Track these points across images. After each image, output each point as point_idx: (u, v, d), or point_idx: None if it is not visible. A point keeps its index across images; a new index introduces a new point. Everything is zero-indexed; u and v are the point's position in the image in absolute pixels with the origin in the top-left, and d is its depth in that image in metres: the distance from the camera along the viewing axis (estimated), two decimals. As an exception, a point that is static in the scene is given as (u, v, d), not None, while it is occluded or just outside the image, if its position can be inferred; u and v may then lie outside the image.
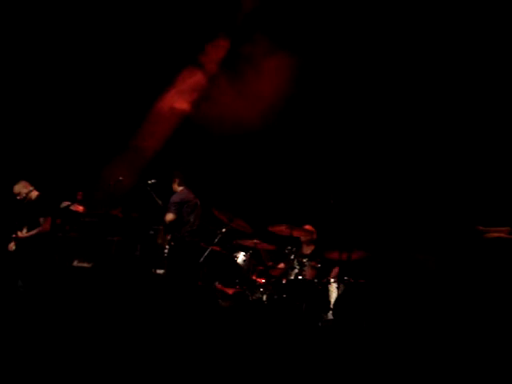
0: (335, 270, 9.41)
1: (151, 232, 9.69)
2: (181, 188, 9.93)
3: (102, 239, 9.59)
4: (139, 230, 9.69)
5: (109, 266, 9.46)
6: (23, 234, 9.31)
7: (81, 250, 9.59)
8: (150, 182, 9.81)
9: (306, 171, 10.87)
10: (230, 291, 9.44)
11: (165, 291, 8.92)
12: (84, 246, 9.60)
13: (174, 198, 9.77)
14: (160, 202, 9.82)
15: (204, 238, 9.75)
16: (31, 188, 9.46)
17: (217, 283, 9.56)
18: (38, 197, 9.46)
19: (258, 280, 9.57)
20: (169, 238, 9.55)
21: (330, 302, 8.94)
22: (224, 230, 9.68)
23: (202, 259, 9.47)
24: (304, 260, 9.38)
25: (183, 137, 11.12)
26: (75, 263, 9.58)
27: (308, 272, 9.31)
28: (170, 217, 9.65)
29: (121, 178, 9.78)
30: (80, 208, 9.90)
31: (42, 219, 9.30)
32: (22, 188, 9.45)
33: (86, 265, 9.58)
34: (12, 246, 9.38)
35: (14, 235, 9.38)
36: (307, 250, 9.86)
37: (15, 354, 6.17)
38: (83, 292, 9.01)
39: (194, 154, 10.99)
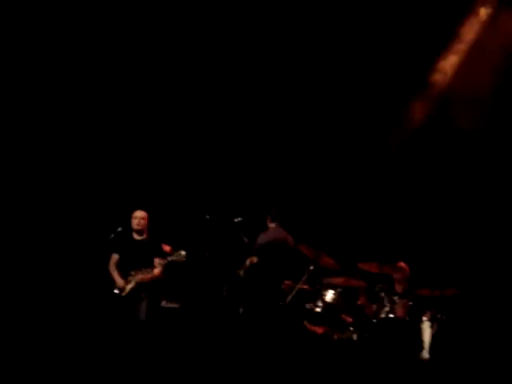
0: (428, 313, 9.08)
1: (238, 272, 9.57)
2: (272, 225, 9.73)
3: (189, 279, 9.56)
4: (226, 270, 9.61)
5: (196, 306, 9.41)
6: (140, 276, 8.75)
7: (168, 290, 9.54)
8: (236, 220, 9.71)
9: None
10: (319, 330, 9.21)
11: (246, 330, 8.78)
12: (171, 286, 9.55)
13: (259, 240, 9.61)
14: (246, 240, 9.65)
15: (291, 276, 9.54)
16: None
17: (305, 322, 9.34)
18: (149, 235, 8.99)
19: (348, 319, 9.30)
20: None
21: (422, 340, 8.61)
22: (311, 267, 9.47)
23: (289, 298, 9.27)
24: (395, 298, 9.06)
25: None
26: (163, 304, 9.54)
27: (399, 310, 8.98)
28: (252, 259, 9.48)
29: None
30: (167, 248, 9.85)
31: (157, 261, 8.81)
32: (145, 217, 8.93)
33: (173, 305, 9.54)
34: (125, 285, 8.80)
35: (132, 273, 8.78)
36: (399, 287, 9.50)
37: None
38: (172, 332, 8.97)
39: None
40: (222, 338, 8.65)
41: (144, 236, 8.96)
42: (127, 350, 8.13)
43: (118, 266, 8.94)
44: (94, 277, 9.61)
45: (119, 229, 9.02)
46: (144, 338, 8.50)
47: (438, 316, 8.75)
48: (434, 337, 8.62)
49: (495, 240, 9.90)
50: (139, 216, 8.92)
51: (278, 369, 7.67)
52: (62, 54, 10.69)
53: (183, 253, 8.72)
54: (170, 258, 8.77)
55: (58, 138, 10.79)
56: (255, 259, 9.40)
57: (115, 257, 9.00)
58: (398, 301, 9.03)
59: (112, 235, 8.97)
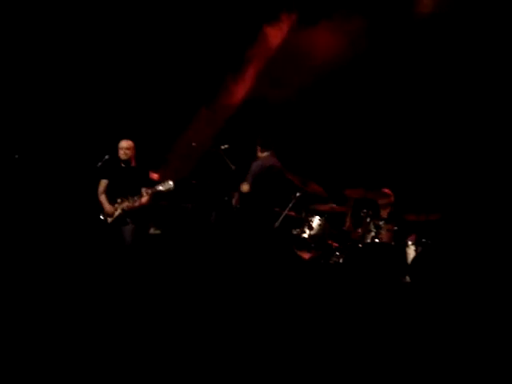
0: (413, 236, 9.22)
1: (226, 198, 9.58)
2: (264, 154, 9.38)
3: (177, 206, 9.60)
4: (214, 197, 9.63)
5: (184, 232, 9.48)
6: (126, 203, 8.84)
7: (155, 217, 9.61)
8: (223, 147, 9.63)
9: (379, 132, 10.65)
10: (306, 256, 9.36)
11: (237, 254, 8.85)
12: (159, 213, 9.62)
13: (254, 168, 9.20)
14: (233, 167, 9.57)
15: (279, 203, 9.60)
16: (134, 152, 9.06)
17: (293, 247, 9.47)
18: (136, 164, 9.02)
19: (334, 244, 9.45)
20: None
21: (407, 264, 8.78)
22: (298, 194, 9.54)
23: (277, 224, 9.35)
24: (380, 223, 9.20)
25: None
26: (151, 231, 9.63)
27: (385, 235, 9.14)
28: (245, 187, 9.10)
29: (194, 144, 9.73)
30: (155, 176, 9.89)
31: (143, 190, 8.82)
32: (130, 147, 8.94)
33: (161, 232, 9.62)
34: (113, 211, 8.92)
35: (119, 200, 8.86)
36: (384, 213, 9.65)
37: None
38: (158, 258, 9.05)
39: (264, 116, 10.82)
40: (210, 265, 8.74)
41: (131, 165, 9.01)
42: (113, 275, 8.23)
43: (106, 192, 9.02)
44: (82, 203, 9.69)
45: (106, 156, 9.04)
46: (130, 263, 8.60)
47: (423, 240, 8.90)
48: (415, 260, 8.77)
49: (480, 164, 9.98)
50: (125, 146, 8.93)
51: (268, 295, 7.77)
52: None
53: (171, 183, 8.75)
54: (158, 188, 8.81)
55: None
56: (246, 187, 9.16)
57: (104, 182, 9.07)
58: (383, 226, 9.18)
59: (99, 163, 9.00)
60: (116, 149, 9.02)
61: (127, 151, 8.94)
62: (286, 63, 10.51)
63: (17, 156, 9.77)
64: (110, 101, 10.89)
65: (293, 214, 9.61)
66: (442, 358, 5.91)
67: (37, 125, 10.59)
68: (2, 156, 10.09)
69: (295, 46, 10.47)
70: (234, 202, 9.32)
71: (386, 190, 9.72)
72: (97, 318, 6.52)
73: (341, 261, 9.11)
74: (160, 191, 8.84)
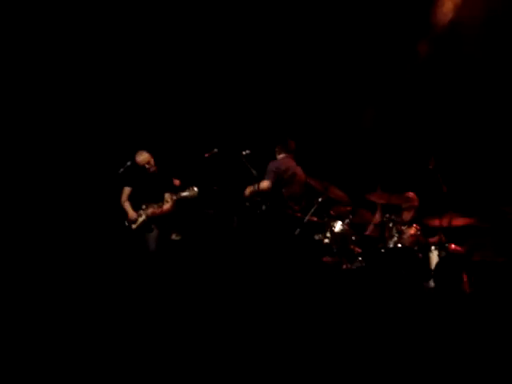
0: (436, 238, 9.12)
1: (247, 204, 9.55)
2: (281, 156, 9.60)
3: (198, 213, 9.58)
4: (235, 202, 9.60)
5: (206, 238, 9.47)
6: (151, 210, 8.96)
7: (178, 223, 9.61)
8: (244, 152, 9.62)
9: (404, 136, 10.59)
10: (329, 260, 9.30)
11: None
12: (181, 219, 9.62)
13: (270, 166, 9.36)
14: (255, 173, 9.55)
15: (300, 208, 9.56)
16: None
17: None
18: (158, 170, 9.12)
19: (356, 249, 9.39)
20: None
21: (430, 269, 8.70)
22: (320, 199, 9.49)
23: (297, 231, 9.30)
24: (403, 227, 9.13)
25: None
26: (173, 237, 9.63)
27: (407, 240, 9.06)
28: (264, 184, 9.14)
29: (215, 150, 9.71)
30: (177, 182, 9.88)
31: (167, 196, 8.96)
32: (149, 158, 9.05)
33: (182, 237, 9.62)
34: (137, 218, 9.02)
35: (143, 207, 9.00)
36: (407, 217, 9.59)
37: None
38: (181, 264, 9.07)
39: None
40: (231, 270, 8.73)
41: (154, 171, 9.06)
42: (137, 281, 8.26)
43: (130, 199, 9.05)
44: (105, 210, 9.73)
45: (128, 163, 9.08)
46: (153, 269, 8.63)
47: (446, 245, 8.81)
48: (439, 265, 8.69)
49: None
50: (146, 161, 9.05)
51: (289, 299, 7.76)
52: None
53: (196, 189, 8.78)
54: (182, 194, 8.82)
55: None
56: (267, 184, 9.16)
57: (127, 190, 9.12)
58: (406, 230, 9.11)
59: (121, 169, 9.04)
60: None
61: (149, 165, 9.04)
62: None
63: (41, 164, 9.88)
64: (131, 107, 10.95)
65: (315, 219, 9.56)
66: (465, 368, 5.85)
67: (58, 133, 10.65)
68: (26, 164, 10.20)
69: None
70: (246, 193, 9.22)
71: (411, 194, 9.68)
72: (114, 322, 6.55)
73: (363, 266, 9.05)
74: (184, 197, 8.86)
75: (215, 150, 9.45)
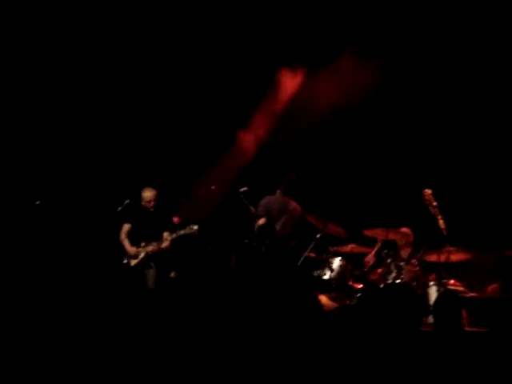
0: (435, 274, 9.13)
1: (246, 241, 9.57)
2: (277, 192, 9.62)
3: (197, 250, 9.60)
4: (234, 239, 9.64)
5: (204, 275, 9.47)
6: (151, 247, 8.96)
7: (176, 260, 9.61)
8: (241, 189, 9.66)
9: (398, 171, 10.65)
10: (328, 303, 9.27)
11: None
12: (180, 256, 9.63)
13: (261, 201, 9.50)
14: (253, 210, 9.59)
15: (297, 244, 9.58)
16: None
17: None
18: (158, 207, 9.12)
19: (355, 285, 9.40)
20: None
21: (429, 305, 8.69)
22: (318, 235, 9.52)
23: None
24: (401, 263, 9.15)
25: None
26: (172, 274, 9.63)
27: (405, 275, 9.07)
28: (260, 221, 9.29)
29: (213, 187, 9.76)
30: (176, 219, 9.91)
31: (165, 234, 9.00)
32: (154, 196, 9.06)
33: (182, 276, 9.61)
34: (136, 253, 9.03)
35: (143, 244, 9.00)
36: (404, 253, 9.60)
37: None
38: (180, 301, 9.04)
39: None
40: (230, 307, 8.71)
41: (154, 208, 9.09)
42: (135, 317, 8.22)
43: (129, 236, 9.07)
44: (103, 248, 9.72)
45: (127, 201, 9.11)
46: (152, 307, 8.60)
47: (445, 280, 8.82)
48: (438, 300, 8.67)
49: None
50: (150, 198, 9.04)
51: (287, 336, 7.72)
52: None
53: (195, 227, 8.83)
54: (180, 232, 8.85)
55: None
56: (262, 221, 9.28)
57: (127, 226, 9.13)
58: (404, 266, 9.12)
59: (120, 208, 9.06)
60: (136, 193, 9.10)
61: (152, 203, 9.06)
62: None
63: (38, 202, 9.86)
64: (129, 145, 10.99)
65: (313, 255, 9.59)
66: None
67: (56, 170, 10.68)
68: (24, 202, 10.19)
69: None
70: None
71: (405, 229, 9.69)
72: (111, 359, 6.54)
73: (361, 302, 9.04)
74: (182, 235, 8.89)
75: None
